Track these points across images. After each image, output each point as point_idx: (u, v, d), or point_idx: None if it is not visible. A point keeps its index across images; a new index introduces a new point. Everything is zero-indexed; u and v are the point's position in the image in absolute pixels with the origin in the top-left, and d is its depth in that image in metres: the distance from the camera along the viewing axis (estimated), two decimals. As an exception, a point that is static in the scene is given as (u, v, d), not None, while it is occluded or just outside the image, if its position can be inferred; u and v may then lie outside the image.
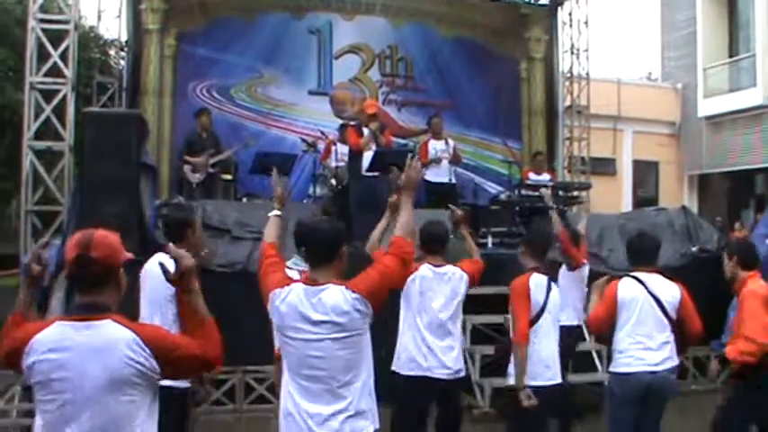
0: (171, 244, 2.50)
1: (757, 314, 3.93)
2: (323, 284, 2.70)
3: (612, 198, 15.17)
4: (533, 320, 4.02)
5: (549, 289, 4.13)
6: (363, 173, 7.31)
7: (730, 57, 16.06)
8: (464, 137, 11.50)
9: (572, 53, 12.69)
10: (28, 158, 8.14)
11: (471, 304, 4.73)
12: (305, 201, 9.00)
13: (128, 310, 2.42)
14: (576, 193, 8.92)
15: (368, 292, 2.66)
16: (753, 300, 3.96)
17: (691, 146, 16.98)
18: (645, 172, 17.44)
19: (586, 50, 12.70)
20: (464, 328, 5.85)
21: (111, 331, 2.17)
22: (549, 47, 12.59)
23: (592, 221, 8.16)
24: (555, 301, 4.16)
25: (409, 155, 3.07)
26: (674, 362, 4.04)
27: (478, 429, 5.51)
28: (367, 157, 7.28)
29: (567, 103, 12.68)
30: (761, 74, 14.66)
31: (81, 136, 7.31)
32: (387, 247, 2.97)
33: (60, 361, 2.13)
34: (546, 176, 8.97)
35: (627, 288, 4.01)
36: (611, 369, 4.12)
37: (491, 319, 6.38)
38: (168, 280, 2.27)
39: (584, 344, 6.75)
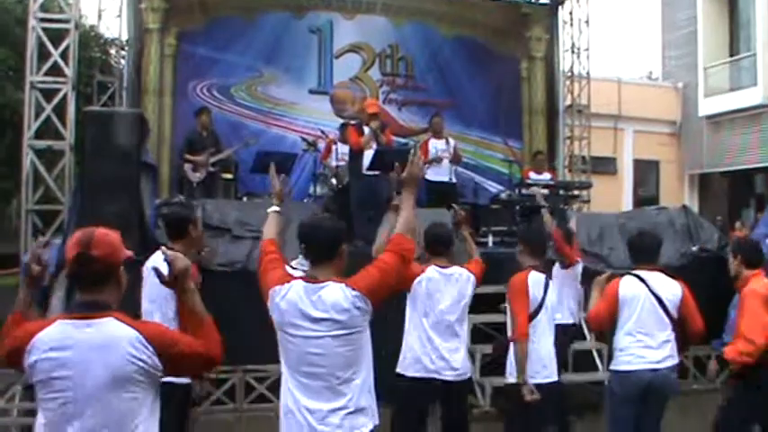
0: (163, 247, 2.51)
1: (757, 314, 3.92)
2: (323, 282, 2.70)
3: (613, 197, 15.17)
4: (531, 317, 4.05)
5: (546, 287, 4.20)
6: (364, 172, 7.31)
7: (731, 56, 16.05)
8: (465, 136, 11.49)
9: (573, 52, 12.68)
10: (28, 158, 8.15)
11: (471, 303, 4.73)
12: (305, 200, 9.01)
13: (129, 308, 2.42)
14: (576, 193, 8.92)
15: (368, 290, 2.66)
16: (753, 299, 3.96)
17: (691, 145, 16.98)
18: (645, 171, 17.44)
19: (587, 50, 12.70)
20: (465, 327, 5.85)
21: (112, 329, 2.17)
22: (549, 46, 12.58)
23: (592, 220, 8.18)
24: (552, 299, 4.23)
25: (411, 151, 3.05)
26: (675, 360, 4.04)
27: (479, 429, 5.49)
28: (367, 156, 7.28)
29: (568, 102, 12.68)
30: (761, 73, 14.66)
31: (81, 135, 7.31)
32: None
33: (62, 359, 2.14)
34: (546, 176, 8.97)
35: (628, 286, 4.01)
36: (612, 367, 4.12)
37: (491, 318, 6.37)
38: (163, 283, 2.29)
39: (585, 343, 6.75)
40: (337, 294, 2.66)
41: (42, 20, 8.38)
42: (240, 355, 5.60)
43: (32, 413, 2.74)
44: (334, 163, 8.59)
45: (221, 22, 10.90)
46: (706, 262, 7.55)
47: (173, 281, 2.27)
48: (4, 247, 9.39)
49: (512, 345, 4.18)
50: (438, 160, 8.60)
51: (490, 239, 7.76)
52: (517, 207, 8.09)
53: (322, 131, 9.63)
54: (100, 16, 10.81)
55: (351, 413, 2.69)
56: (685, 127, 17.29)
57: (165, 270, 2.28)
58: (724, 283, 5.44)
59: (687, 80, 17.18)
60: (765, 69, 14.59)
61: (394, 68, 11.76)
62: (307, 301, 2.67)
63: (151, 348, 2.17)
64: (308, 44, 11.35)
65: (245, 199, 8.99)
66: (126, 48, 10.82)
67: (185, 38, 10.74)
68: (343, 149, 8.18)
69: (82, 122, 7.37)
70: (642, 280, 4.00)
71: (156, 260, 3.19)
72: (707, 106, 16.19)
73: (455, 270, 4.21)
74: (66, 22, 8.47)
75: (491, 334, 6.34)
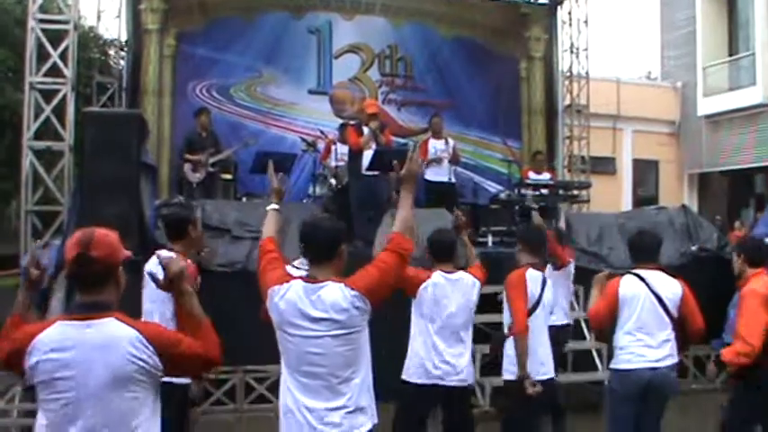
0: (159, 250, 2.52)
1: (755, 314, 3.92)
2: (322, 282, 2.70)
3: (612, 197, 15.18)
4: (528, 314, 4.08)
5: (543, 284, 4.24)
6: (363, 172, 7.31)
7: (730, 55, 16.06)
8: (464, 136, 11.51)
9: (571, 52, 12.69)
10: (28, 159, 8.15)
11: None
12: (305, 200, 9.01)
13: (129, 309, 2.43)
14: (575, 192, 8.93)
15: (367, 290, 2.66)
16: (752, 299, 3.96)
17: (690, 145, 16.99)
18: (645, 171, 17.45)
19: (586, 49, 12.71)
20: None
21: (113, 329, 2.18)
22: (548, 46, 12.59)
23: (591, 220, 8.19)
24: (549, 297, 4.27)
25: (410, 149, 3.04)
26: (675, 359, 4.04)
27: (479, 428, 5.49)
28: (367, 156, 7.29)
29: (567, 102, 12.69)
30: (760, 72, 14.67)
31: (81, 136, 7.31)
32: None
33: (63, 360, 2.14)
34: (546, 175, 8.97)
35: (628, 285, 4.01)
36: (612, 366, 4.13)
37: (491, 318, 6.37)
38: (159, 287, 2.30)
39: (584, 342, 6.76)
40: (336, 294, 2.66)
41: (41, 21, 8.38)
42: (240, 356, 5.61)
43: (32, 414, 2.74)
44: (333, 163, 8.60)
45: (220, 22, 10.91)
46: (705, 261, 7.57)
47: (168, 284, 2.29)
48: (4, 247, 9.39)
49: (508, 341, 4.20)
50: (438, 161, 8.61)
51: (490, 239, 7.76)
52: (516, 207, 8.09)
53: (321, 132, 9.64)
54: (99, 17, 10.82)
55: (350, 412, 2.69)
56: (684, 127, 17.30)
57: (160, 274, 2.29)
58: (723, 282, 5.46)
59: (686, 80, 17.19)
60: (764, 69, 14.60)
61: (393, 69, 11.77)
62: (306, 301, 2.67)
63: (151, 348, 2.18)
64: (307, 44, 11.36)
65: (244, 199, 9.00)
66: (125, 48, 10.83)
67: (184, 38, 10.74)
68: (343, 150, 8.19)
69: (81, 123, 7.37)
70: (642, 279, 4.00)
71: (154, 264, 3.19)
72: (706, 106, 16.20)
73: (461, 275, 4.18)
74: (66, 23, 8.48)
75: (491, 334, 6.35)
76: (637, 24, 48.79)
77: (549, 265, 5.69)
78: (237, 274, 6.17)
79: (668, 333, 3.99)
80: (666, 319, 3.98)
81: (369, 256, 2.87)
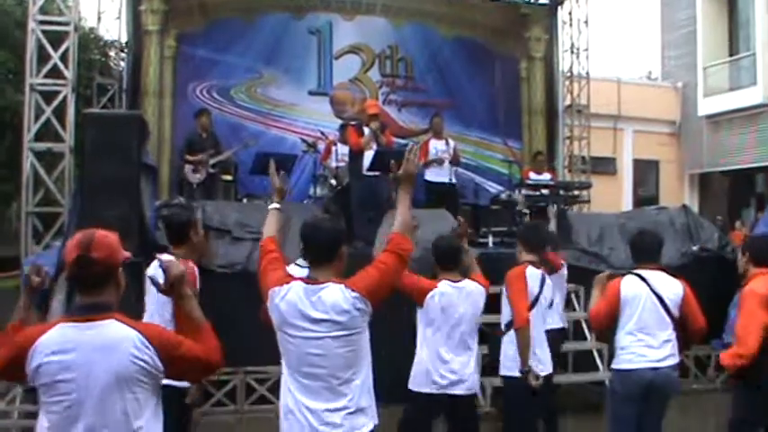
0: (159, 254, 2.52)
1: (753, 315, 3.91)
2: (323, 283, 2.70)
3: (613, 197, 15.18)
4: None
5: (542, 282, 4.27)
6: (364, 172, 7.31)
7: (730, 55, 16.06)
8: (464, 137, 11.51)
9: (572, 52, 12.69)
10: (28, 160, 8.15)
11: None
12: (305, 201, 9.01)
13: (130, 310, 2.43)
14: (576, 193, 8.93)
15: (367, 291, 2.66)
16: (751, 299, 3.95)
17: (691, 145, 16.99)
18: (645, 171, 17.44)
19: (586, 50, 12.71)
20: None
21: (115, 330, 2.19)
22: (549, 46, 12.59)
23: (592, 220, 8.19)
24: (547, 295, 4.29)
25: (407, 148, 2.99)
26: (676, 359, 4.03)
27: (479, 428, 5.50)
28: (368, 156, 7.29)
29: (568, 102, 12.69)
30: (761, 72, 14.67)
31: (81, 137, 7.32)
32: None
33: (66, 362, 2.15)
34: (546, 176, 8.98)
35: (630, 285, 4.01)
36: (613, 366, 4.13)
37: (492, 319, 6.37)
38: (160, 291, 2.30)
39: (585, 343, 6.75)
40: (337, 295, 2.66)
41: (42, 22, 8.40)
42: (241, 357, 5.62)
43: (33, 415, 2.74)
44: (333, 164, 8.59)
45: (221, 23, 10.91)
46: (706, 261, 7.56)
47: (169, 288, 2.29)
48: (5, 249, 9.41)
49: (505, 338, 4.23)
50: (439, 161, 8.60)
51: (490, 240, 7.76)
52: (517, 207, 8.09)
53: (322, 133, 9.63)
54: (99, 18, 10.85)
55: (351, 413, 2.69)
56: (685, 127, 17.30)
57: (161, 277, 2.29)
58: (724, 282, 5.45)
59: (686, 80, 17.19)
60: (765, 69, 14.59)
61: (393, 69, 11.76)
62: (306, 302, 2.67)
63: (152, 349, 2.18)
64: (307, 45, 11.36)
65: (244, 200, 9.00)
66: (125, 50, 10.84)
67: (185, 39, 10.75)
68: (343, 150, 8.18)
69: (82, 124, 7.38)
70: (643, 279, 4.00)
71: (155, 268, 3.18)
72: (706, 106, 16.20)
73: (467, 284, 4.13)
74: (66, 24, 8.49)
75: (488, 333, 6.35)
76: (637, 24, 48.81)
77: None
78: (238, 275, 6.17)
79: (669, 333, 3.99)
80: (668, 319, 3.98)
81: (369, 257, 2.87)
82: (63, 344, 2.16)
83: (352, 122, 8.22)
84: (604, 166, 15.77)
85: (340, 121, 9.87)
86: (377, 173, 7.22)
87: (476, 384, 4.21)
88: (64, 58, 8.34)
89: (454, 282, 4.08)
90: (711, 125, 16.36)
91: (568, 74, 12.70)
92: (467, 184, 10.22)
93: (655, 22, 19.24)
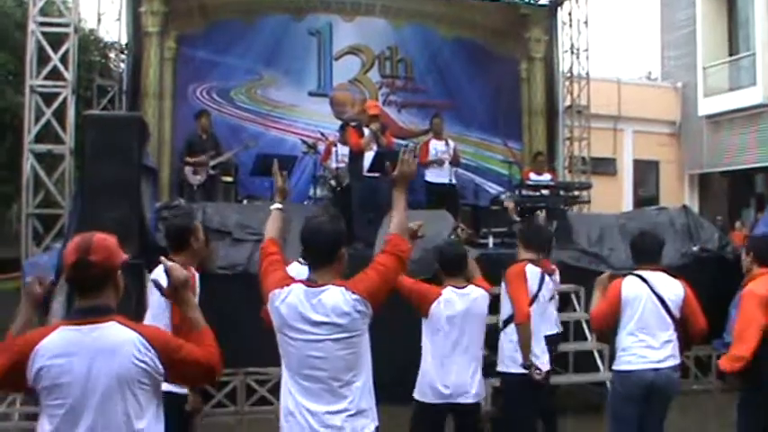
0: (162, 258, 2.52)
1: (751, 316, 3.90)
2: (323, 285, 2.69)
3: (613, 198, 15.17)
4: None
5: (541, 281, 4.31)
6: (364, 173, 7.31)
7: (730, 55, 16.06)
8: (464, 137, 11.51)
9: (572, 53, 12.70)
10: (29, 162, 8.16)
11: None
12: (305, 202, 9.01)
13: (129, 311, 2.43)
14: (576, 193, 8.93)
15: (368, 293, 2.65)
16: (750, 300, 3.95)
17: (691, 145, 16.99)
18: (645, 171, 17.44)
19: (586, 50, 12.72)
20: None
21: (116, 332, 2.19)
22: (548, 47, 12.60)
23: (592, 221, 8.19)
24: (545, 294, 4.34)
25: (402, 148, 2.96)
26: (677, 360, 4.03)
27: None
28: (368, 157, 7.29)
29: (568, 102, 12.69)
30: (761, 72, 14.67)
31: (81, 139, 7.33)
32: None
33: (67, 365, 2.15)
34: (547, 177, 8.97)
35: (630, 286, 4.01)
36: (614, 367, 4.12)
37: (492, 320, 6.37)
38: (163, 295, 2.31)
39: (585, 343, 6.75)
40: (337, 298, 2.65)
41: (42, 24, 8.40)
42: (241, 358, 5.62)
43: (33, 417, 2.74)
44: (334, 165, 8.59)
45: (221, 25, 10.92)
46: (706, 262, 7.56)
47: (172, 292, 2.30)
48: (5, 251, 9.42)
49: (503, 334, 4.25)
50: (440, 162, 8.60)
51: (490, 241, 7.76)
52: (518, 208, 8.08)
53: (322, 134, 9.63)
54: (99, 20, 10.86)
55: (352, 415, 2.69)
56: (685, 127, 17.29)
57: (164, 281, 2.30)
58: (724, 282, 5.45)
59: (686, 80, 17.19)
60: (764, 69, 14.59)
61: (393, 70, 11.77)
62: (307, 305, 2.67)
63: (153, 351, 2.19)
64: (307, 46, 11.37)
65: (245, 202, 9.00)
66: (125, 51, 10.85)
67: (185, 41, 10.76)
68: (343, 151, 8.18)
69: (82, 126, 7.38)
70: (644, 280, 4.00)
71: (159, 272, 3.18)
72: (706, 106, 16.20)
73: (471, 290, 4.07)
74: (66, 26, 8.49)
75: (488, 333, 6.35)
76: (637, 24, 48.83)
77: None
78: (238, 277, 6.17)
79: (670, 334, 3.99)
80: (668, 319, 3.98)
81: (370, 258, 2.86)
82: (65, 347, 2.16)
83: (353, 123, 8.22)
84: (604, 166, 15.77)
85: (340, 122, 9.87)
86: (377, 174, 7.21)
87: (482, 391, 4.14)
88: (64, 59, 8.35)
89: (459, 288, 4.03)
90: (711, 125, 16.36)
91: (568, 74, 12.71)
92: (467, 185, 10.23)
93: (654, 23, 19.28)
